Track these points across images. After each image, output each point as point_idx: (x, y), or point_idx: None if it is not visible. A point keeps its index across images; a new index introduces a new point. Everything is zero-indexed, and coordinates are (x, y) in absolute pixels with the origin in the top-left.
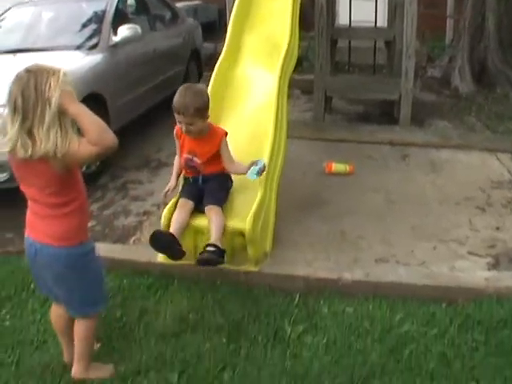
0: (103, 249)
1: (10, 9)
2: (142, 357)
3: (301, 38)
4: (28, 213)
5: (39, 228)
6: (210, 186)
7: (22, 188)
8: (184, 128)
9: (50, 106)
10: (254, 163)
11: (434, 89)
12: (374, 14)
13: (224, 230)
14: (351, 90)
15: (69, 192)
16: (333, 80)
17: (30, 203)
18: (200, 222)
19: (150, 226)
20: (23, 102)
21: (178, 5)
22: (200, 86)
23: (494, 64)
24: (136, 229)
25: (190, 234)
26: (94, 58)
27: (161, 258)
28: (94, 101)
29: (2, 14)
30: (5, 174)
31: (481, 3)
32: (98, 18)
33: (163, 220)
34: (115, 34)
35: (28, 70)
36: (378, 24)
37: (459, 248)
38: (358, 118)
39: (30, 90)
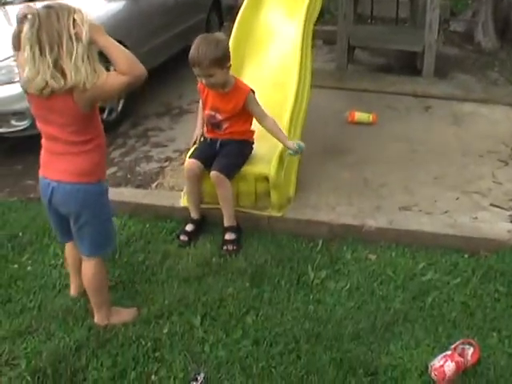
0: (126, 194)
1: None
2: (164, 300)
3: None
4: (43, 153)
5: (57, 166)
6: (227, 149)
7: (41, 127)
8: (204, 81)
9: (78, 39)
10: (295, 144)
11: (456, 43)
12: None
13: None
14: (375, 40)
15: (90, 131)
16: (356, 29)
17: (46, 143)
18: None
19: (172, 172)
20: (48, 37)
21: None
22: (217, 34)
23: None
24: (158, 174)
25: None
26: (117, 6)
27: (183, 202)
28: None
29: None
30: (25, 122)
31: None
32: None
33: (186, 165)
34: None
35: (48, 6)
36: None
37: (482, 200)
38: (381, 70)
39: (53, 25)
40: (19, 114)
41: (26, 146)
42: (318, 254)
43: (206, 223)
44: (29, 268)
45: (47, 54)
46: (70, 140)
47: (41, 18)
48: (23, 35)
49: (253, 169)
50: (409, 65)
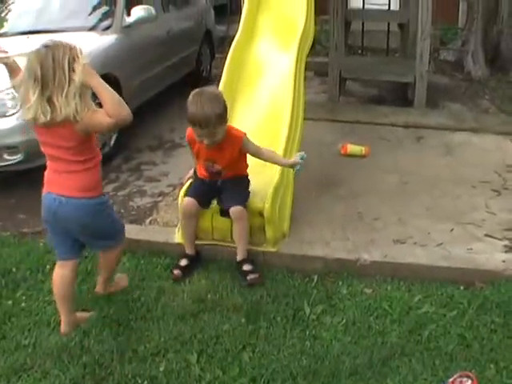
0: None
1: None
2: (160, 337)
3: (314, 21)
4: (49, 172)
5: (64, 183)
6: (231, 185)
7: (45, 150)
8: (206, 141)
9: (71, 77)
10: (296, 157)
11: (446, 72)
12: None
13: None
14: (366, 71)
15: (90, 150)
16: (348, 61)
17: (51, 164)
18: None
19: (165, 207)
20: (42, 74)
21: None
22: (210, 88)
23: (507, 48)
24: (152, 209)
25: (208, 215)
26: (108, 39)
27: (178, 238)
28: (107, 82)
29: None
30: (18, 156)
31: None
32: None
33: (180, 201)
34: (129, 14)
35: (46, 45)
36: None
37: (476, 230)
38: (373, 101)
39: (49, 63)
40: (12, 148)
41: (18, 179)
42: (314, 289)
43: (201, 259)
44: (23, 304)
45: (40, 90)
46: (73, 160)
47: (38, 56)
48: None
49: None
50: (400, 95)
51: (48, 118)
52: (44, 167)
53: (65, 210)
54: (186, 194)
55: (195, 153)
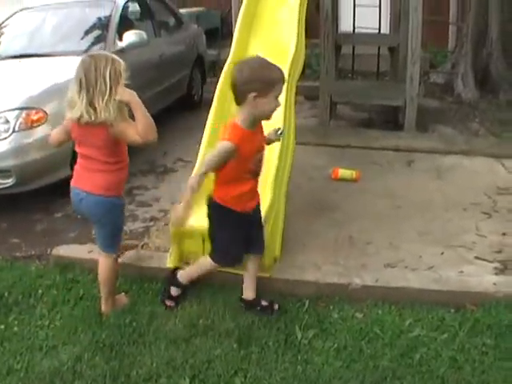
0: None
1: (15, 14)
2: (152, 362)
3: (305, 46)
4: (78, 167)
5: (88, 180)
6: (259, 222)
7: (78, 149)
8: (275, 104)
9: (111, 87)
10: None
11: (437, 95)
12: (374, 21)
13: None
14: (356, 95)
15: (118, 154)
16: (338, 85)
17: (82, 161)
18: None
19: (157, 232)
20: (86, 81)
21: (182, 11)
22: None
23: (497, 71)
24: (143, 234)
25: (199, 238)
26: None
27: (169, 263)
28: None
29: (8, 19)
30: (11, 180)
31: (484, 10)
32: (103, 23)
33: (172, 227)
34: (120, 39)
35: (90, 55)
36: (380, 31)
37: (467, 253)
38: (363, 125)
39: (91, 71)
40: (5, 172)
41: (11, 203)
42: (305, 314)
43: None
44: (15, 329)
45: (84, 93)
46: (102, 160)
47: (83, 64)
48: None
49: None
50: (390, 119)
51: (92, 118)
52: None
53: (84, 205)
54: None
55: (245, 156)
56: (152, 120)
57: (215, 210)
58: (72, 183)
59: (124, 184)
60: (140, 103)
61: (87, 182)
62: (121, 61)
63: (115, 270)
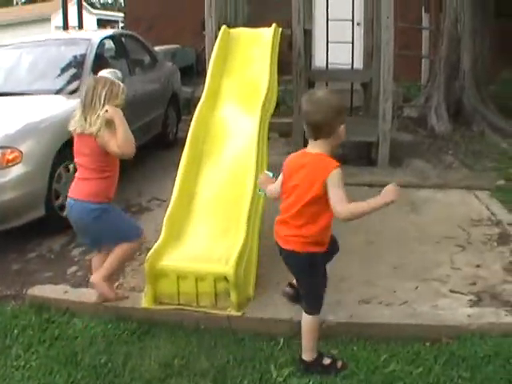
0: (87, 294)
1: None
2: None
3: (278, 82)
4: (74, 180)
5: (78, 188)
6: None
7: (76, 159)
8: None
9: (104, 106)
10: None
11: (410, 129)
12: (348, 57)
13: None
14: None
15: (105, 164)
16: None
17: (77, 172)
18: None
19: (132, 272)
20: (85, 98)
21: (156, 48)
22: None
23: (469, 103)
24: (119, 274)
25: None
26: (74, 103)
27: (144, 302)
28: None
29: None
30: None
31: (456, 43)
32: (78, 62)
33: (146, 265)
34: None
35: (93, 78)
36: (355, 66)
37: (441, 286)
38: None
39: (90, 91)
40: None
41: None
42: (280, 352)
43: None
44: None
45: (82, 108)
46: (91, 167)
47: (87, 85)
48: None
49: (212, 269)
50: (364, 154)
51: (82, 129)
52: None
53: (74, 212)
54: None
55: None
56: (131, 136)
57: (312, 258)
58: (68, 195)
59: (113, 191)
60: (122, 120)
61: (76, 190)
62: (121, 84)
63: (135, 249)
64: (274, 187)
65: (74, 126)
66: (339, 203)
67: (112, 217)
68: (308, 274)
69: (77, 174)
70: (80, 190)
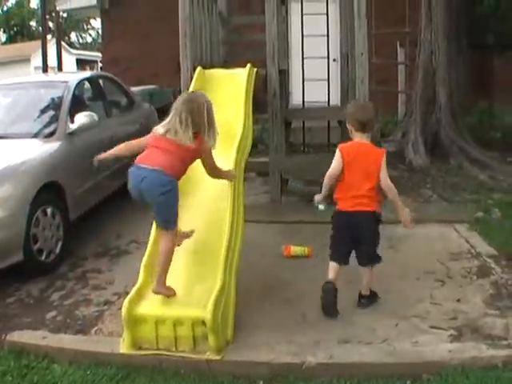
0: (66, 340)
1: None
2: None
3: (254, 121)
4: (146, 152)
5: (158, 159)
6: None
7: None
8: None
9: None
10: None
11: (388, 164)
12: (325, 93)
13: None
14: (306, 171)
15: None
16: (288, 162)
17: (151, 149)
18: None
19: (110, 317)
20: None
21: (134, 89)
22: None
23: (446, 135)
24: (97, 319)
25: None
26: (51, 147)
27: (123, 348)
28: (52, 190)
29: None
30: None
31: (431, 76)
32: (55, 105)
33: (124, 311)
34: (72, 121)
35: (190, 93)
36: (332, 103)
37: (421, 323)
38: None
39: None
40: None
41: None
42: None
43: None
44: None
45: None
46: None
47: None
48: None
49: (189, 313)
50: None
51: (174, 136)
52: None
53: (145, 181)
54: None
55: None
56: (218, 169)
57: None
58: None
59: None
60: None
61: (157, 161)
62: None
63: (174, 245)
64: (334, 171)
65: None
66: (387, 177)
67: (175, 196)
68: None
69: (152, 149)
70: (159, 161)
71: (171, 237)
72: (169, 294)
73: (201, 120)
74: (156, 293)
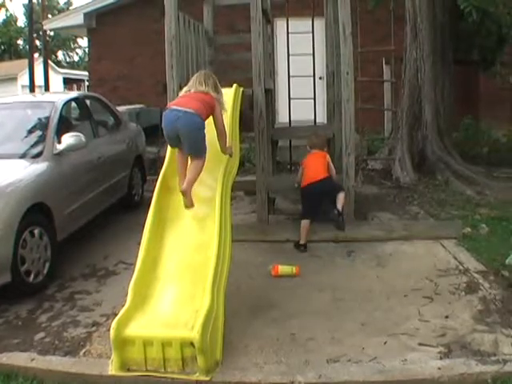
0: (54, 362)
1: None
2: None
3: (241, 140)
4: (175, 101)
5: (191, 104)
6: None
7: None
8: None
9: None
10: None
11: (375, 181)
12: (312, 112)
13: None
14: (293, 189)
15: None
16: (275, 181)
17: (179, 99)
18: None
19: (99, 338)
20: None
21: (121, 108)
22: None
23: (433, 152)
24: (86, 340)
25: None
26: (39, 167)
27: (112, 369)
28: (39, 211)
29: None
30: None
31: (417, 93)
32: (42, 125)
33: (112, 332)
34: (59, 141)
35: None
36: (318, 120)
37: (410, 340)
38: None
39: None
40: None
41: None
42: None
43: None
44: None
45: None
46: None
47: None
48: None
49: (178, 334)
50: (330, 210)
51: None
52: None
53: (181, 120)
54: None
55: None
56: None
57: None
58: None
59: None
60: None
61: (190, 105)
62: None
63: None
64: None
65: None
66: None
67: (203, 131)
68: None
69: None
70: (190, 105)
71: (202, 160)
72: (188, 198)
73: (213, 82)
74: (184, 190)
